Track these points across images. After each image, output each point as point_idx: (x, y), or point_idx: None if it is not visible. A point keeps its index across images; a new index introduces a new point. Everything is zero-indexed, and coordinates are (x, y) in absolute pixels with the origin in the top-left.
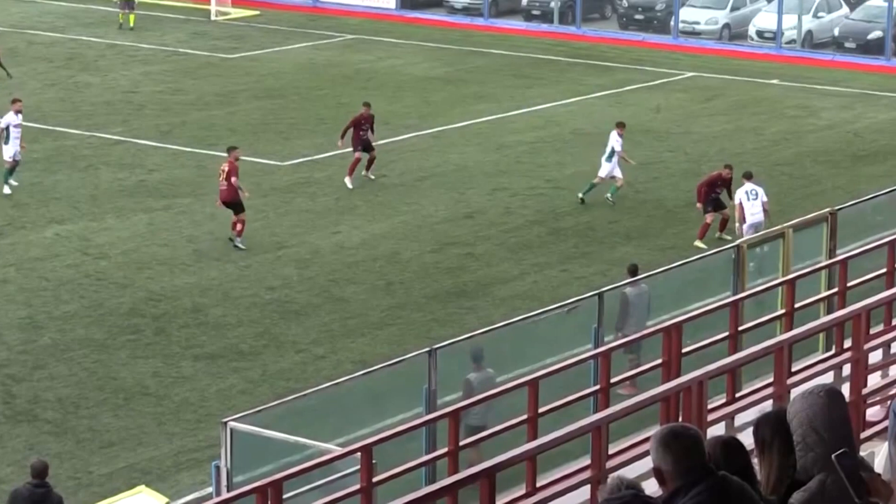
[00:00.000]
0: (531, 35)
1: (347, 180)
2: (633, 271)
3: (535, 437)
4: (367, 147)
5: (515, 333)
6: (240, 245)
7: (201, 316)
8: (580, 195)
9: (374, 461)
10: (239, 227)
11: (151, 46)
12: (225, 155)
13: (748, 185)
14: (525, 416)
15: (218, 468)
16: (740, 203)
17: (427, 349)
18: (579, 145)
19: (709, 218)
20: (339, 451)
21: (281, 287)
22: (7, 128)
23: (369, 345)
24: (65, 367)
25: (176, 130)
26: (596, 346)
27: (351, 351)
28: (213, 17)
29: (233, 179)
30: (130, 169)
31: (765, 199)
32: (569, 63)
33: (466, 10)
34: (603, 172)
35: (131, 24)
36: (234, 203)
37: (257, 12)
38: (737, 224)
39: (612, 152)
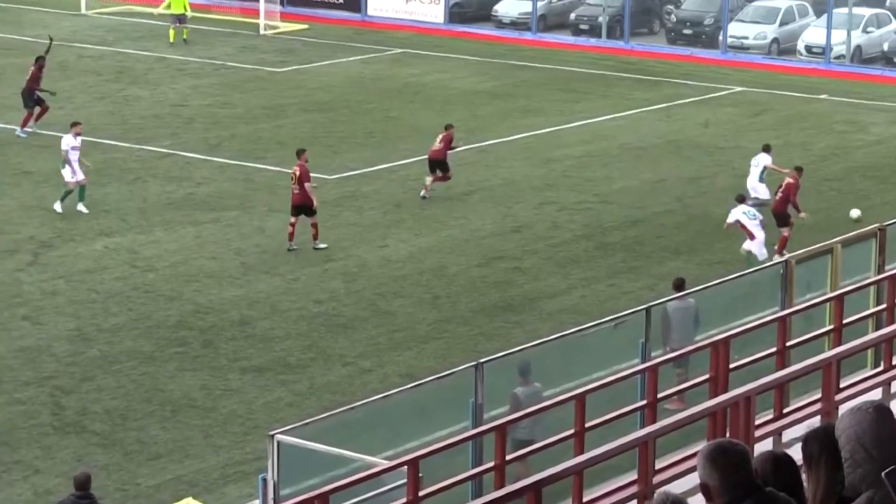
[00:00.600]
0: (579, 49)
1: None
2: (679, 286)
3: (582, 452)
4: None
5: (563, 348)
6: (319, 246)
7: (249, 329)
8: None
9: (420, 475)
10: (313, 230)
11: (200, 60)
12: (266, 167)
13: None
14: (572, 431)
15: (265, 481)
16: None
17: (474, 363)
18: (627, 160)
19: (786, 232)
20: (386, 464)
21: (328, 300)
22: (67, 151)
23: (416, 358)
24: (113, 379)
25: (224, 143)
26: (643, 361)
27: (398, 364)
28: (261, 31)
29: (305, 185)
30: (178, 182)
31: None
32: (617, 77)
33: (514, 25)
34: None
35: (184, 37)
36: (305, 207)
37: (306, 26)
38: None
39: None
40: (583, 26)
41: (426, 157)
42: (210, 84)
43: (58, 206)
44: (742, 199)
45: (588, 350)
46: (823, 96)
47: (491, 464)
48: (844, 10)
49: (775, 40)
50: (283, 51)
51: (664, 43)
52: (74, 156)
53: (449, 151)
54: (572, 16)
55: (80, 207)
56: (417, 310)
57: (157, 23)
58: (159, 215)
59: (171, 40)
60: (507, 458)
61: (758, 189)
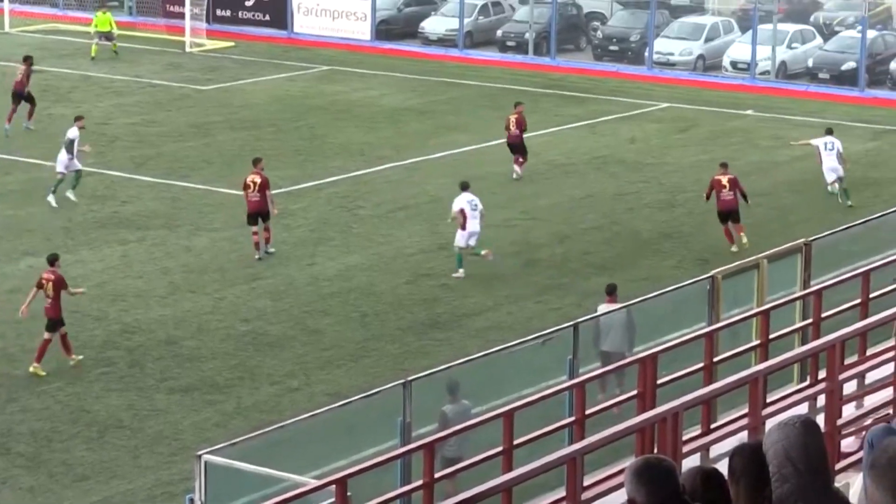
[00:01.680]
0: (506, 66)
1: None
2: (611, 291)
3: (510, 469)
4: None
5: (491, 365)
6: (270, 251)
7: (175, 348)
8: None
9: (348, 493)
10: (266, 234)
11: (125, 78)
12: (192, 185)
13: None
14: (501, 448)
15: (192, 501)
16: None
17: (402, 381)
18: (554, 176)
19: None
20: (314, 483)
21: (255, 319)
22: (69, 141)
23: (344, 377)
24: (38, 401)
25: (150, 162)
26: (571, 378)
27: (326, 383)
28: (187, 49)
29: (267, 192)
30: (104, 201)
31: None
32: (543, 94)
33: (441, 42)
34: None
35: (114, 49)
36: (263, 213)
37: (232, 44)
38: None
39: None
40: (510, 43)
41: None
42: (135, 102)
43: (52, 199)
44: (466, 186)
45: (516, 367)
46: (749, 112)
47: (420, 482)
48: (769, 26)
49: (701, 56)
50: (209, 68)
51: (591, 59)
52: (69, 147)
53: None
54: (499, 32)
55: (70, 195)
56: (345, 328)
57: (82, 41)
58: (85, 234)
59: (93, 55)
60: (436, 475)
61: (839, 169)
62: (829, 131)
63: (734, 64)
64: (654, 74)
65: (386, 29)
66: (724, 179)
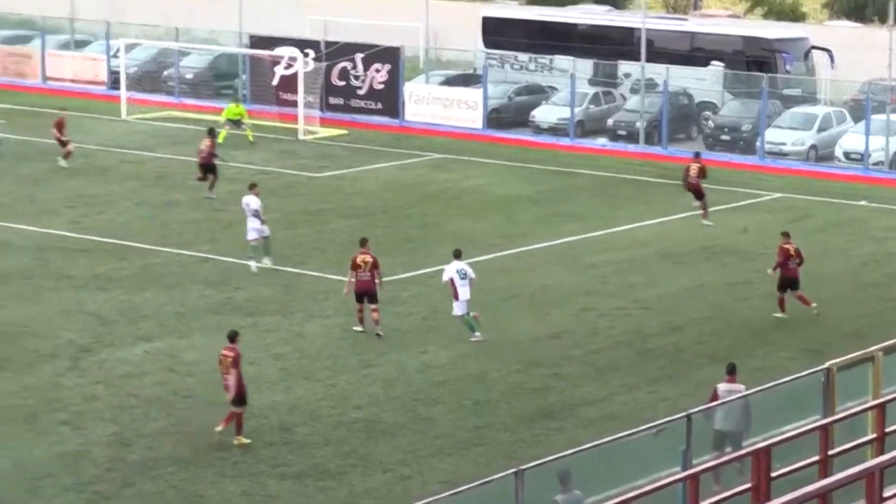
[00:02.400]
0: (617, 155)
1: None
2: (731, 370)
3: None
4: None
5: (603, 455)
6: (380, 333)
7: (288, 434)
8: None
9: None
10: (375, 316)
11: (239, 165)
12: (305, 272)
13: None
14: None
15: None
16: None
17: (514, 470)
18: (665, 266)
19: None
20: None
21: (368, 406)
22: (255, 210)
23: (456, 465)
24: (153, 485)
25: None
26: (684, 469)
27: (438, 471)
28: (300, 137)
29: (377, 272)
30: (217, 287)
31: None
32: (655, 183)
33: (552, 130)
34: None
35: (251, 139)
36: (371, 293)
37: (345, 132)
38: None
39: None
40: (621, 132)
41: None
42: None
43: (253, 265)
44: (458, 254)
45: (628, 457)
46: (862, 202)
47: None
48: (882, 116)
49: (813, 146)
50: (322, 156)
51: (703, 148)
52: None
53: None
54: (610, 121)
55: (267, 261)
56: (457, 416)
57: (196, 128)
58: (198, 320)
59: (220, 140)
60: None
61: None
62: None
63: (847, 154)
64: (766, 164)
65: (497, 117)
66: (792, 249)
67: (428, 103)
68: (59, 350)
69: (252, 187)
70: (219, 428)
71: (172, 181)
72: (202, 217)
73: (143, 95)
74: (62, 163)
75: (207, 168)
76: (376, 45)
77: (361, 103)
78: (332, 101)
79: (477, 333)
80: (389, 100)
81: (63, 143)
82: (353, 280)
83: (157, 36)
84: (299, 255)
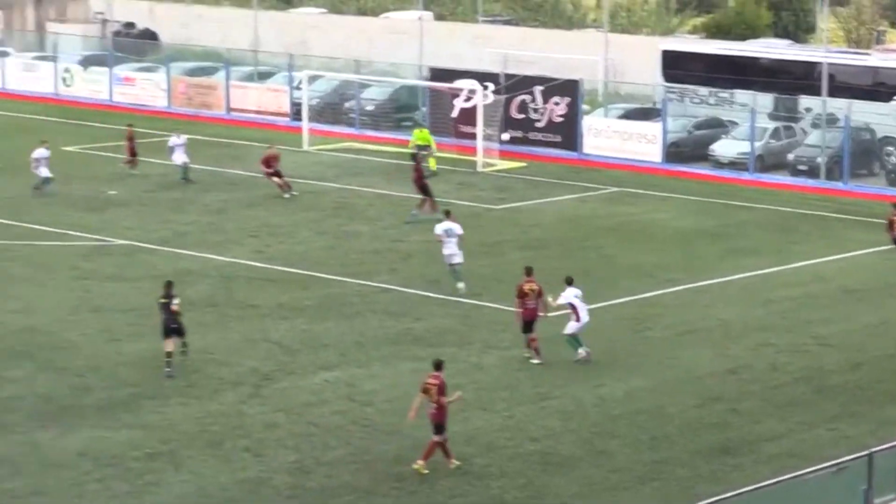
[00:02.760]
0: (797, 190)
1: None
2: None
3: None
4: None
5: (782, 493)
6: (535, 361)
7: (465, 465)
8: None
9: None
10: (534, 344)
11: (418, 196)
12: (483, 304)
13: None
14: None
15: None
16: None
17: None
18: (847, 302)
19: None
20: None
21: (544, 438)
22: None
23: (633, 499)
24: None
25: (443, 280)
26: None
27: None
28: (479, 168)
29: (542, 300)
30: (397, 317)
31: None
32: (836, 219)
33: (732, 165)
34: None
35: (433, 168)
36: (534, 321)
37: (523, 164)
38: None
39: None
40: (801, 167)
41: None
42: (428, 220)
43: (461, 285)
44: (571, 281)
45: (808, 496)
46: None
47: None
48: None
49: None
50: (500, 188)
51: (884, 184)
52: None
53: None
54: (790, 156)
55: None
56: (634, 450)
57: (377, 159)
58: (378, 350)
59: (433, 167)
60: None
61: None
62: None
63: None
64: None
65: (676, 151)
66: None
67: (607, 136)
68: (242, 378)
69: (448, 214)
70: (452, 464)
71: (353, 211)
72: (382, 247)
73: (325, 127)
74: (286, 195)
75: (423, 189)
76: (555, 79)
77: (540, 136)
78: (511, 133)
79: (581, 350)
80: (568, 132)
81: (276, 175)
82: (520, 309)
83: (339, 68)
84: (477, 287)
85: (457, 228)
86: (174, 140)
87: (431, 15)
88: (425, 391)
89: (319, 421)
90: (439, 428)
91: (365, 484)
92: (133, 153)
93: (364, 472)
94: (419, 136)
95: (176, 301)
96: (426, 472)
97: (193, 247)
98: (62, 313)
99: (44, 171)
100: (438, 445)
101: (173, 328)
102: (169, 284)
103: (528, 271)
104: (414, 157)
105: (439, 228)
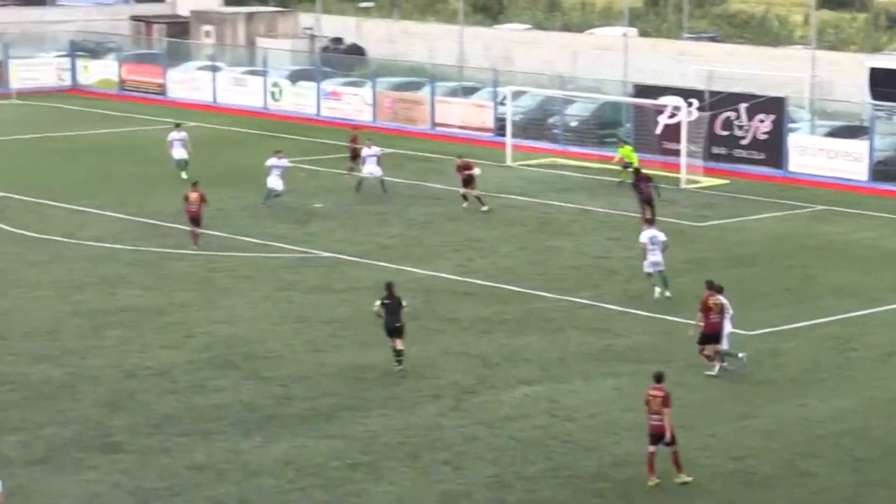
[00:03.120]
0: None
1: None
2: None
3: None
4: None
5: None
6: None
7: (664, 483)
8: None
9: None
10: (707, 353)
11: (622, 213)
12: (685, 321)
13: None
14: None
15: None
16: None
17: None
18: None
19: None
20: None
21: (745, 457)
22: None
23: None
24: None
25: (645, 296)
26: None
27: None
28: (682, 186)
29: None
30: (598, 333)
31: None
32: None
33: None
34: None
35: (624, 178)
36: (716, 335)
37: (727, 181)
38: None
39: None
40: None
41: None
42: (631, 237)
43: (657, 291)
44: (720, 290)
45: None
46: None
47: None
48: None
49: None
50: (704, 205)
51: None
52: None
53: None
54: None
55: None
56: (837, 472)
57: (580, 175)
58: (578, 365)
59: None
60: None
61: None
62: None
63: None
64: None
65: (883, 170)
66: None
67: (813, 154)
68: (442, 390)
69: (649, 222)
70: (681, 479)
71: (555, 227)
72: (585, 263)
73: (528, 142)
74: (483, 209)
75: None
76: (761, 96)
77: (745, 153)
78: (715, 150)
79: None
80: (773, 150)
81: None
82: (701, 323)
83: (543, 84)
84: (680, 304)
85: (660, 236)
86: (173, 135)
87: (636, 31)
88: (647, 403)
89: (519, 435)
90: (659, 440)
91: (565, 499)
92: (354, 156)
93: (564, 487)
94: (624, 152)
95: (405, 304)
96: (689, 479)
97: (396, 260)
98: (266, 324)
99: (274, 182)
100: (665, 455)
101: (397, 327)
102: (389, 286)
103: (711, 285)
104: (637, 171)
105: (644, 237)
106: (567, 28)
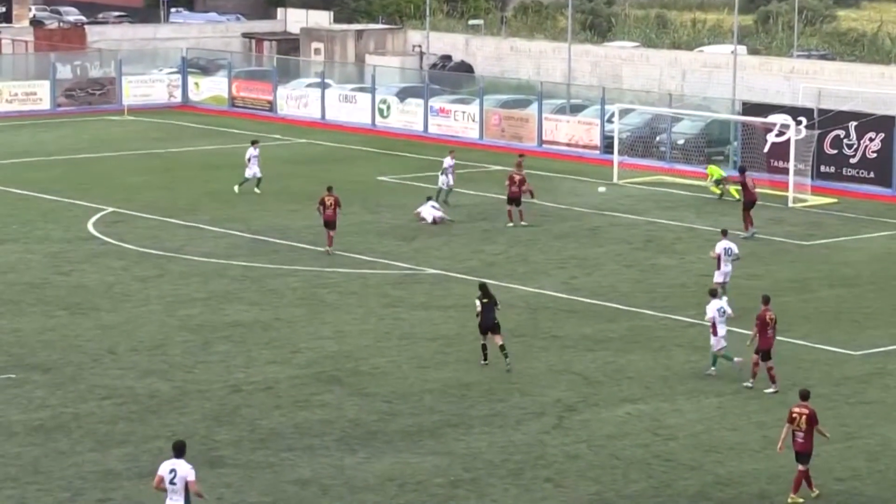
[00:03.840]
0: None
1: None
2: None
3: None
4: None
5: None
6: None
7: (766, 503)
8: None
9: None
10: (772, 372)
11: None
12: (790, 340)
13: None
14: None
15: None
16: None
17: None
18: None
19: None
20: None
21: (849, 479)
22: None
23: None
24: None
25: (746, 315)
26: None
27: None
28: (790, 204)
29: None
30: (703, 352)
31: None
32: None
33: None
34: None
35: (719, 192)
36: (770, 350)
37: (835, 200)
38: None
39: None
40: None
41: None
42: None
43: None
44: (714, 293)
45: None
46: None
47: None
48: None
49: None
50: (811, 224)
51: None
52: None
53: None
54: None
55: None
56: None
57: (686, 193)
58: (682, 384)
59: (718, 192)
60: None
61: None
62: None
63: None
64: None
65: None
66: None
67: None
68: (545, 408)
69: (724, 233)
70: (814, 493)
71: (661, 245)
72: (689, 282)
73: (635, 160)
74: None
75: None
76: (870, 114)
77: (853, 172)
78: (823, 168)
79: (736, 359)
80: (882, 168)
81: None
82: (756, 338)
83: (651, 101)
84: (784, 323)
85: (734, 248)
86: (251, 151)
87: (745, 49)
88: (792, 421)
89: (621, 453)
90: (806, 458)
91: None
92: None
93: None
94: (712, 171)
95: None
96: (801, 500)
97: (501, 277)
98: (371, 340)
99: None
100: (803, 475)
101: (495, 324)
102: (484, 286)
103: (767, 300)
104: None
105: (718, 247)
106: (676, 46)
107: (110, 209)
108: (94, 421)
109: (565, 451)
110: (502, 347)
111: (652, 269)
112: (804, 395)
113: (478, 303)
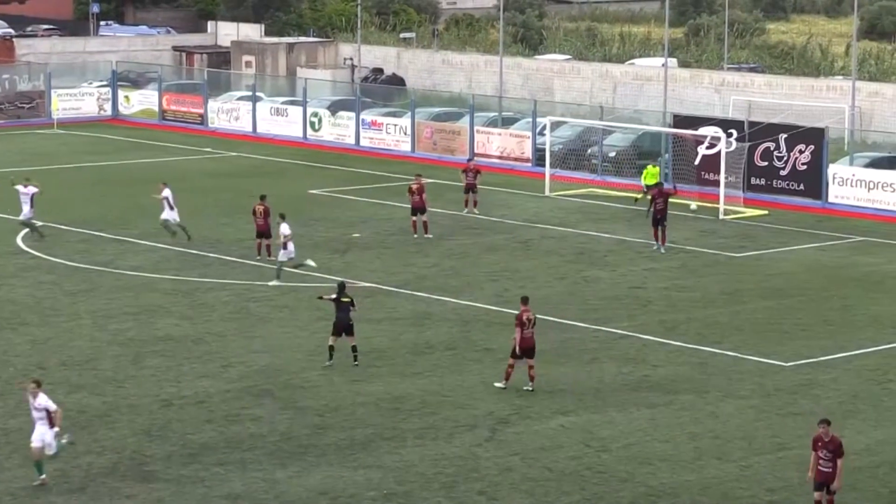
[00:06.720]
0: None
1: None
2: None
3: None
4: None
5: None
6: None
7: None
8: None
9: None
10: None
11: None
12: (721, 352)
13: None
14: None
15: None
16: None
17: None
18: None
19: None
20: None
21: (781, 489)
22: None
23: None
24: None
25: (680, 327)
26: None
27: None
28: (721, 216)
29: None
30: (634, 364)
31: None
32: None
33: None
34: None
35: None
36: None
37: (766, 212)
38: None
39: None
40: None
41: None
42: (668, 267)
43: None
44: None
45: None
46: None
47: None
48: None
49: None
50: (742, 236)
51: None
52: None
53: None
54: None
55: None
56: None
57: (617, 206)
58: (614, 396)
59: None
60: None
61: None
62: None
63: None
64: None
65: None
66: None
67: (851, 185)
68: (477, 421)
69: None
70: None
71: (592, 257)
72: (621, 294)
73: (567, 173)
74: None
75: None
76: (800, 126)
77: (783, 184)
78: (754, 181)
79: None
80: (812, 181)
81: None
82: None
83: (582, 114)
84: (715, 335)
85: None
86: (21, 188)
87: (676, 62)
88: (816, 448)
89: (554, 466)
90: (824, 486)
91: None
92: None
93: None
94: (651, 172)
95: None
96: None
97: (433, 290)
98: (303, 353)
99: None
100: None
101: (349, 325)
102: (343, 285)
103: (525, 300)
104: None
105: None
106: (607, 59)
107: (39, 223)
108: (24, 437)
109: (498, 464)
110: (354, 349)
111: (584, 281)
112: (828, 422)
113: (332, 299)
